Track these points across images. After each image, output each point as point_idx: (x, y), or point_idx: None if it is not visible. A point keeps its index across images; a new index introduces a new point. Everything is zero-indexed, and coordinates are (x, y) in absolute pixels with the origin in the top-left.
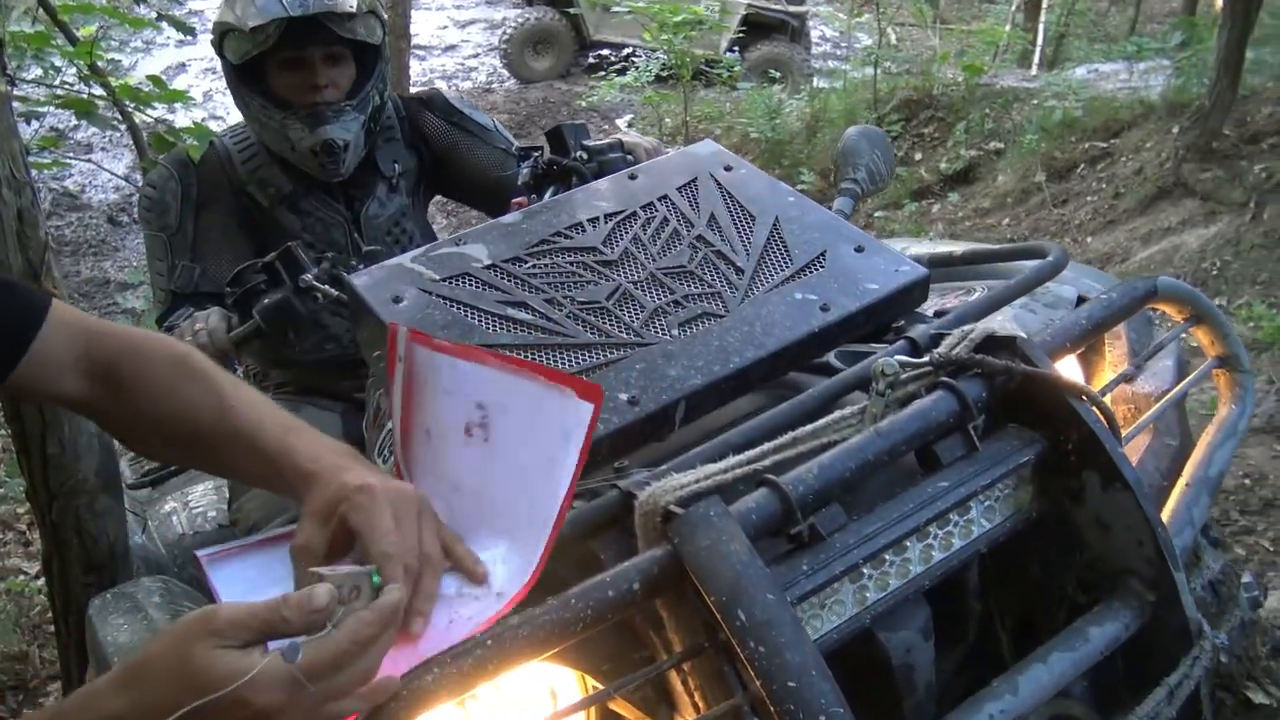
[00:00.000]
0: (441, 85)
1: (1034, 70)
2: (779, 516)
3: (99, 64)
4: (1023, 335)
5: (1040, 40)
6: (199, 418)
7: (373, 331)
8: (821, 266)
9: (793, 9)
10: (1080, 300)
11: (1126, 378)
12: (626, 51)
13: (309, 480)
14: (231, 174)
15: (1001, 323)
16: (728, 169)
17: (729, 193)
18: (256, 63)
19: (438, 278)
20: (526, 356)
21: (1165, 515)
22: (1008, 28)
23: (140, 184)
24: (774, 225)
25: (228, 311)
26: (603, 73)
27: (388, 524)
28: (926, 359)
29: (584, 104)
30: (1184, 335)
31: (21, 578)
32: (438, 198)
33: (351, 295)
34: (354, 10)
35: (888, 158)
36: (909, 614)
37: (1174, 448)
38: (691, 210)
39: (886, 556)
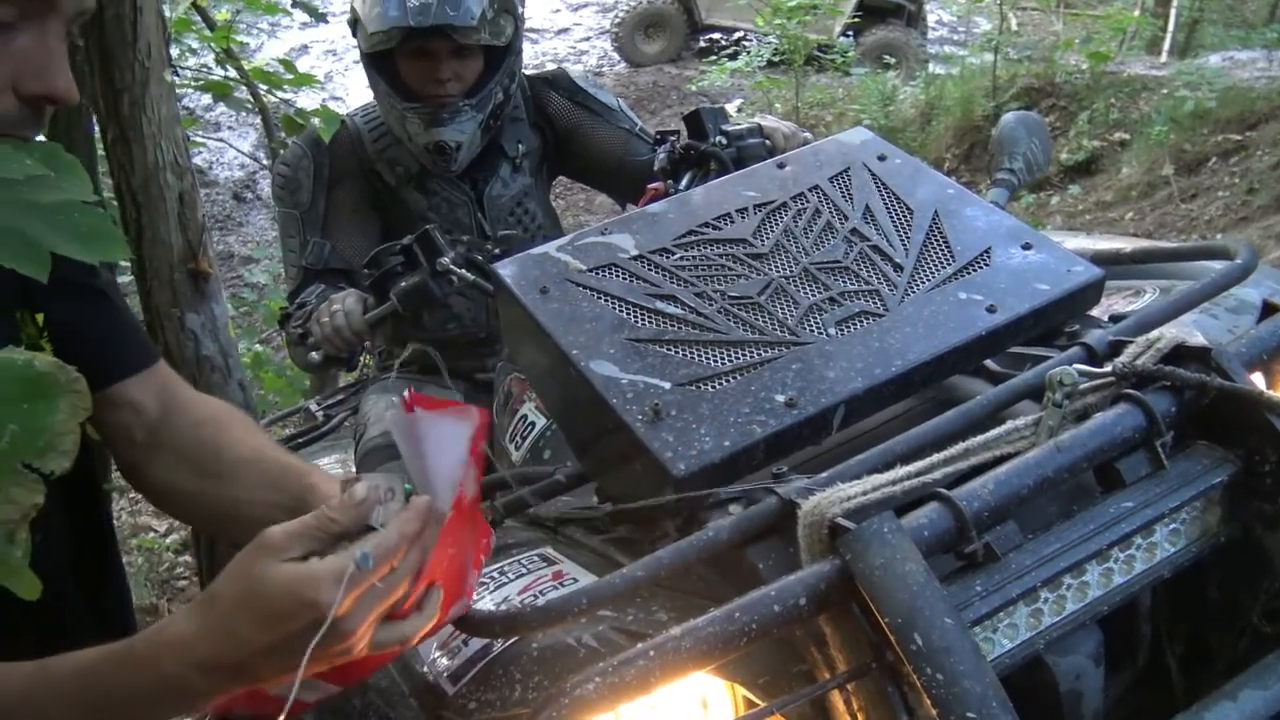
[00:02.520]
0: (551, 68)
1: (1164, 58)
2: (952, 534)
3: (232, 48)
4: (1216, 346)
5: (1171, 26)
6: (240, 446)
7: (515, 319)
8: (986, 265)
9: None
10: (1267, 305)
11: None
12: (738, 36)
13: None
14: (361, 153)
15: (1189, 330)
16: (881, 158)
17: (884, 184)
18: (388, 51)
19: (585, 268)
20: (677, 352)
21: None
22: (1136, 13)
23: (265, 161)
24: (933, 219)
25: (363, 292)
26: (713, 57)
27: None
28: (1109, 369)
29: (694, 88)
30: None
31: (152, 535)
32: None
33: (498, 285)
34: (475, 22)
35: (1045, 146)
36: (1081, 639)
37: None
38: (845, 202)
39: (1065, 579)
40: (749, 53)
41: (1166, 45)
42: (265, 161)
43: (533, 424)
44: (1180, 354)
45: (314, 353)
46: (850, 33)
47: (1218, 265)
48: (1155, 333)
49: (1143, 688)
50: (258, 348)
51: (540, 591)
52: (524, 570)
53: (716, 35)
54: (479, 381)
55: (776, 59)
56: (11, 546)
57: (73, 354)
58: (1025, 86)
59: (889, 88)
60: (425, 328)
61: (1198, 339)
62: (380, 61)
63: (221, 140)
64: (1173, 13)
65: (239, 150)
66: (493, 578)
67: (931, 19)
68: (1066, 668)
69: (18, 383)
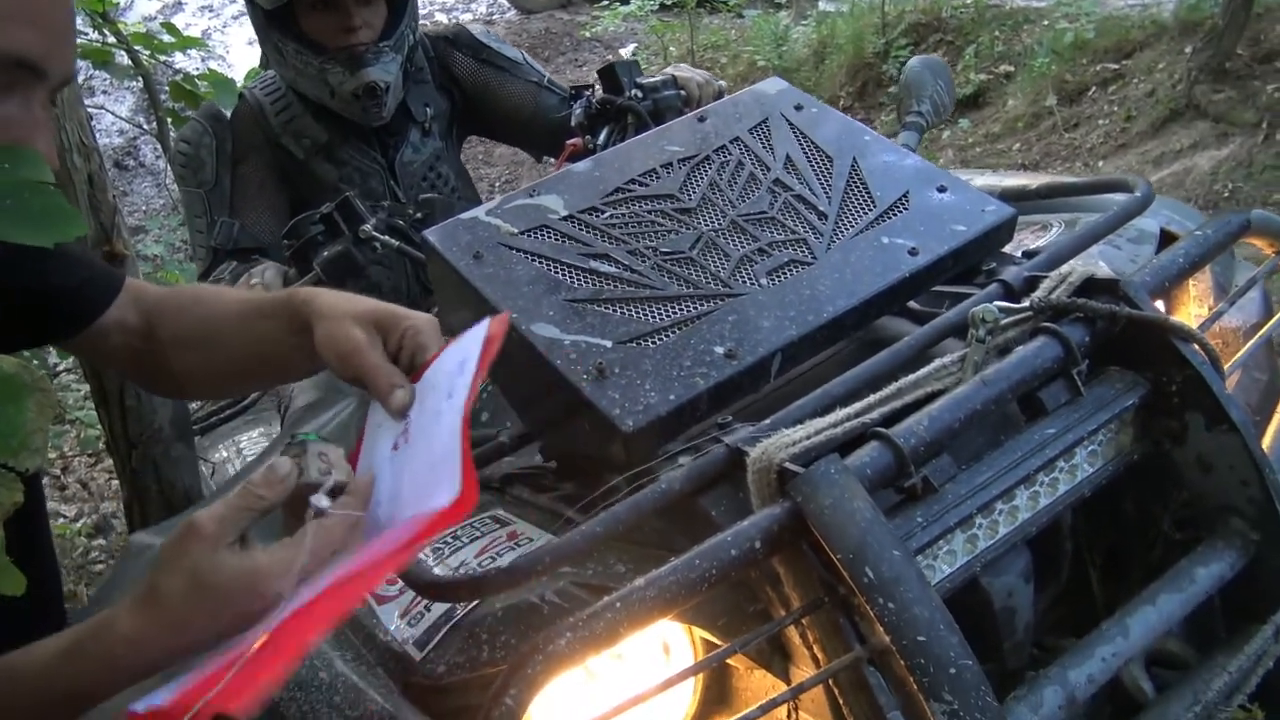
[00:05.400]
0: (441, 17)
1: None
2: (893, 470)
3: (109, 11)
4: (1124, 277)
5: None
6: (222, 311)
7: (448, 285)
8: (905, 208)
9: None
10: (1164, 233)
11: (1220, 315)
12: None
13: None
14: (265, 127)
15: (1096, 263)
16: (798, 108)
17: (802, 133)
18: (288, 7)
19: (516, 231)
20: (616, 311)
21: None
22: None
23: (146, 127)
24: (852, 166)
25: (284, 264)
26: (605, 2)
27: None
28: (1027, 304)
29: (587, 34)
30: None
31: (61, 520)
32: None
33: (429, 251)
34: None
35: (950, 88)
36: (1012, 559)
37: (1264, 382)
38: (766, 153)
39: (997, 505)
40: None
41: None
42: (146, 127)
43: None
44: (1091, 286)
45: None
46: None
47: (1118, 198)
48: (1067, 266)
49: (1068, 599)
50: None
51: (498, 553)
52: (478, 533)
53: None
54: None
55: (669, 2)
56: None
57: (50, 311)
58: (913, 23)
59: (781, 28)
60: None
61: (1105, 271)
62: (284, 22)
63: (99, 107)
64: None
65: (116, 115)
66: (446, 542)
67: None
68: (1000, 587)
69: None
